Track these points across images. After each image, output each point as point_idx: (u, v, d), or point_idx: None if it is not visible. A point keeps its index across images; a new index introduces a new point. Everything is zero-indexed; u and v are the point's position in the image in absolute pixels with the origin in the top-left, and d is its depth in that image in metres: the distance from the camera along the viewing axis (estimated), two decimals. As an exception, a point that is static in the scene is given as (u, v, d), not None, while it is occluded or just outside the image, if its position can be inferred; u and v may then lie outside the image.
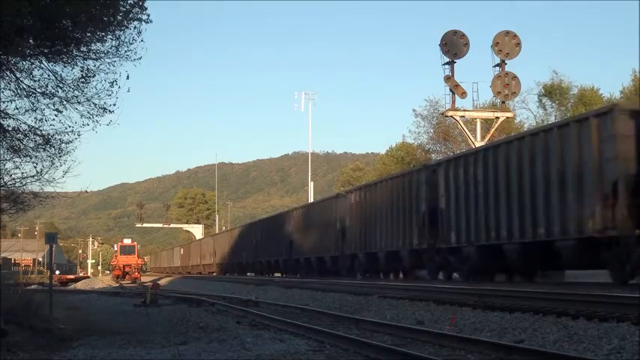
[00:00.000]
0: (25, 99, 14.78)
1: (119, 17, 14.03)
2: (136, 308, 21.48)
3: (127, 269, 60.96)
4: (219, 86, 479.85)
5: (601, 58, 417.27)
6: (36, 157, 16.12)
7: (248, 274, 50.92)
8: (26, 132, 15.46)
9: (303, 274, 38.20)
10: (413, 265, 26.09)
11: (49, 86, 14.60)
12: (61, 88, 14.61)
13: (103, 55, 14.21)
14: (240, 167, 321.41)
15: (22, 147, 15.88)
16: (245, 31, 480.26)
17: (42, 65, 14.47)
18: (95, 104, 14.69)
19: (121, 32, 14.06)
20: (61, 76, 14.57)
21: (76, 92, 14.60)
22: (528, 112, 55.32)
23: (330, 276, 32.23)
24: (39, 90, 14.63)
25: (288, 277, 40.12)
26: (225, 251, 59.16)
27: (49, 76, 14.55)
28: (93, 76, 14.41)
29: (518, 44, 38.38)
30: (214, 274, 61.09)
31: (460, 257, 22.07)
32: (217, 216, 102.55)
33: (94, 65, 14.34)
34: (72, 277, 67.22)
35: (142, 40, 14.24)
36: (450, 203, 22.69)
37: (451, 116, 39.86)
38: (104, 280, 61.95)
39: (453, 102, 38.57)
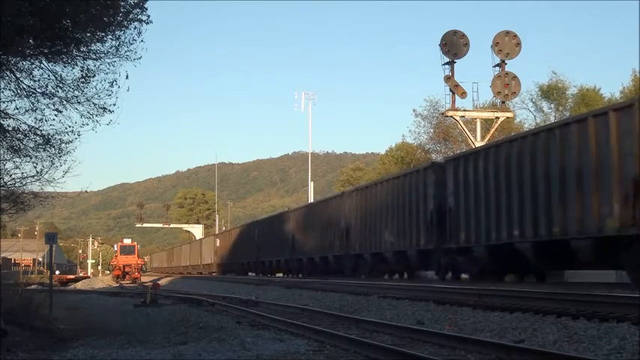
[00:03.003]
0: (25, 99, 14.82)
1: (119, 18, 14.05)
2: (136, 308, 21.49)
3: (127, 269, 60.97)
4: (219, 86, 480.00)
5: (601, 58, 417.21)
6: (36, 157, 16.16)
7: (249, 274, 50.84)
8: (26, 132, 15.49)
9: (306, 274, 38.11)
10: (420, 266, 25.64)
11: (49, 86, 14.64)
12: (61, 88, 14.64)
13: (103, 55, 14.26)
14: (240, 167, 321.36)
15: (22, 147, 15.90)
16: (245, 31, 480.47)
17: (42, 65, 14.50)
18: (95, 104, 14.74)
19: (121, 32, 14.10)
20: (61, 76, 14.61)
21: (76, 92, 14.64)
22: (528, 113, 55.27)
23: (333, 276, 32.06)
24: (39, 90, 14.66)
25: (291, 277, 40.06)
26: (226, 251, 59.13)
27: (49, 76, 14.59)
28: (93, 76, 14.46)
29: (518, 44, 38.37)
30: (214, 274, 61.10)
31: (469, 257, 21.50)
32: (217, 216, 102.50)
33: (94, 65, 14.40)
34: (72, 277, 67.32)
35: (142, 41, 14.31)
36: (459, 202, 22.02)
37: (451, 116, 39.82)
38: (104, 280, 62.00)
39: (453, 102, 38.54)
